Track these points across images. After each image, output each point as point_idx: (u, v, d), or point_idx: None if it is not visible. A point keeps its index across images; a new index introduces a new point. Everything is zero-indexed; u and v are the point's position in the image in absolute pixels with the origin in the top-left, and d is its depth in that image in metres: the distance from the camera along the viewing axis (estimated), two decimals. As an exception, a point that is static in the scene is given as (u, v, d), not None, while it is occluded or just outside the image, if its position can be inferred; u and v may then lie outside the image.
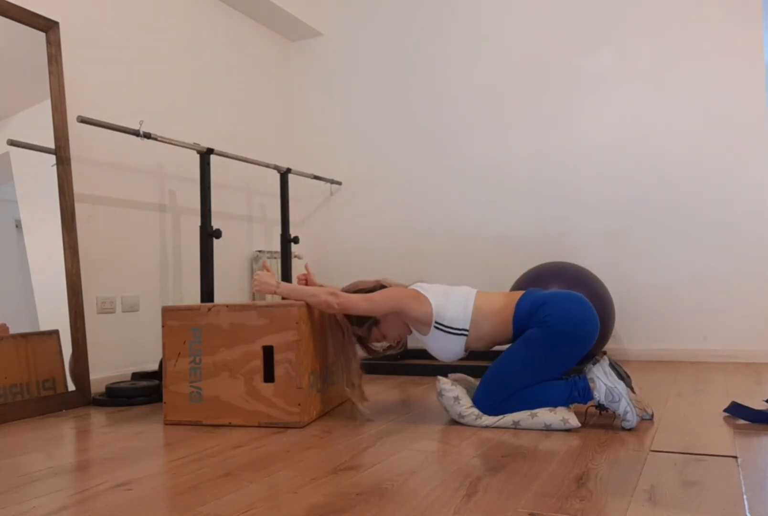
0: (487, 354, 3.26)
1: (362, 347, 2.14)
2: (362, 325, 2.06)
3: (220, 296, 3.37)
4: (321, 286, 2.24)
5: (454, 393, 1.91)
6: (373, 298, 1.95)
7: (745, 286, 3.11)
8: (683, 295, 3.22)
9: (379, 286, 2.09)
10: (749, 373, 2.73)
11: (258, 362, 1.97)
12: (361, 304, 1.94)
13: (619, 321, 3.33)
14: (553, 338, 1.83)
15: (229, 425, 1.98)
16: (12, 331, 2.27)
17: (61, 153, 2.50)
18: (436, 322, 1.95)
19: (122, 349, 2.83)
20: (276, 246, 3.89)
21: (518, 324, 1.91)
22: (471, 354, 3.41)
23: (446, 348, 1.98)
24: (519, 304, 1.92)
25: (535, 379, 1.86)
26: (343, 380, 2.05)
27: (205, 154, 2.79)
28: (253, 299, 3.63)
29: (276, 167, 3.30)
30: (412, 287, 2.04)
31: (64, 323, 2.45)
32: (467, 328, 1.93)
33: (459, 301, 1.96)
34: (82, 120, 2.36)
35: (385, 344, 2.16)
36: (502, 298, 1.97)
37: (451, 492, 1.27)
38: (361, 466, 1.48)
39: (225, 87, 3.57)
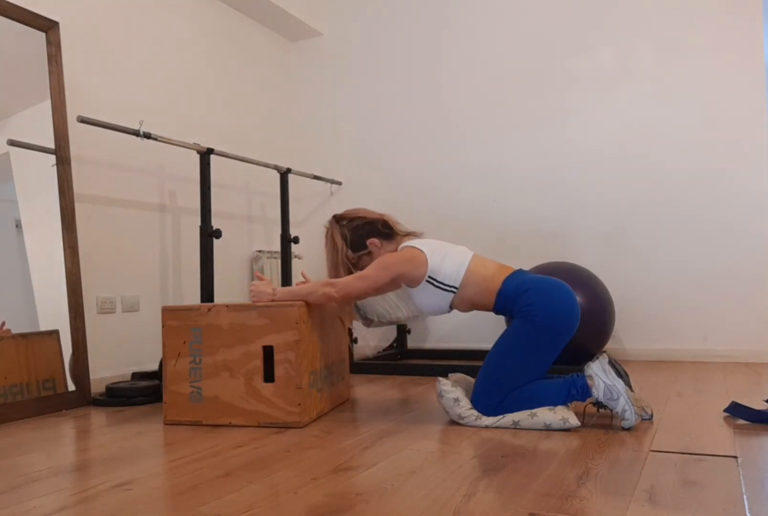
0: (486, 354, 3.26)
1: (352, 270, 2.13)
2: (354, 251, 2.08)
3: (220, 296, 3.37)
4: None
5: (454, 394, 1.91)
6: (369, 275, 1.94)
7: (745, 286, 3.11)
8: (683, 295, 3.22)
9: (382, 221, 2.10)
10: (749, 373, 2.72)
11: (258, 362, 1.97)
12: (359, 284, 1.94)
13: (619, 321, 3.33)
14: (539, 332, 1.84)
15: (229, 425, 1.98)
16: (12, 331, 2.27)
17: (61, 153, 2.50)
18: (429, 277, 1.95)
19: (122, 349, 2.83)
20: (276, 246, 3.89)
21: (501, 300, 1.93)
22: (471, 354, 3.43)
23: (432, 302, 1.99)
24: (506, 282, 1.94)
25: (527, 374, 1.87)
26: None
27: (205, 154, 2.79)
28: (253, 299, 3.63)
29: (276, 167, 3.30)
30: (408, 245, 2.02)
31: (64, 323, 2.45)
32: (457, 286, 1.95)
33: (455, 261, 1.97)
34: (82, 120, 2.36)
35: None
36: (494, 268, 1.99)
37: (451, 492, 1.27)
38: (361, 466, 1.48)
39: (225, 87, 3.57)
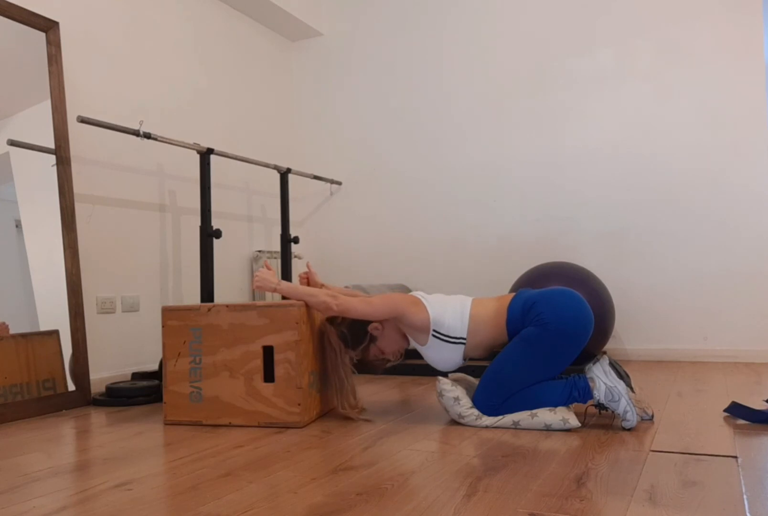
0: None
1: (362, 366, 2.13)
2: (357, 347, 2.04)
3: (220, 296, 3.37)
4: (323, 284, 2.24)
5: (455, 393, 1.91)
6: (372, 302, 1.95)
7: (745, 286, 3.11)
8: (683, 295, 3.22)
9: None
10: (749, 373, 2.73)
11: (258, 362, 1.97)
12: (360, 306, 1.94)
13: (619, 321, 3.33)
14: (548, 336, 1.83)
15: (229, 425, 1.98)
16: (12, 331, 2.27)
17: (61, 153, 2.51)
18: (434, 331, 1.95)
19: (122, 349, 2.83)
20: (276, 246, 3.89)
21: (512, 326, 1.91)
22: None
23: (445, 357, 1.98)
24: (511, 307, 1.92)
25: (533, 379, 1.86)
26: (338, 401, 2.03)
27: (205, 154, 2.79)
28: (254, 298, 3.63)
29: (276, 167, 3.30)
30: (410, 294, 2.04)
31: (64, 323, 2.45)
32: (465, 336, 1.93)
33: (456, 310, 1.96)
34: (82, 120, 2.36)
35: (384, 358, 2.14)
36: (495, 303, 1.98)
37: (451, 492, 1.27)
38: (361, 466, 1.48)
39: (225, 87, 3.57)
